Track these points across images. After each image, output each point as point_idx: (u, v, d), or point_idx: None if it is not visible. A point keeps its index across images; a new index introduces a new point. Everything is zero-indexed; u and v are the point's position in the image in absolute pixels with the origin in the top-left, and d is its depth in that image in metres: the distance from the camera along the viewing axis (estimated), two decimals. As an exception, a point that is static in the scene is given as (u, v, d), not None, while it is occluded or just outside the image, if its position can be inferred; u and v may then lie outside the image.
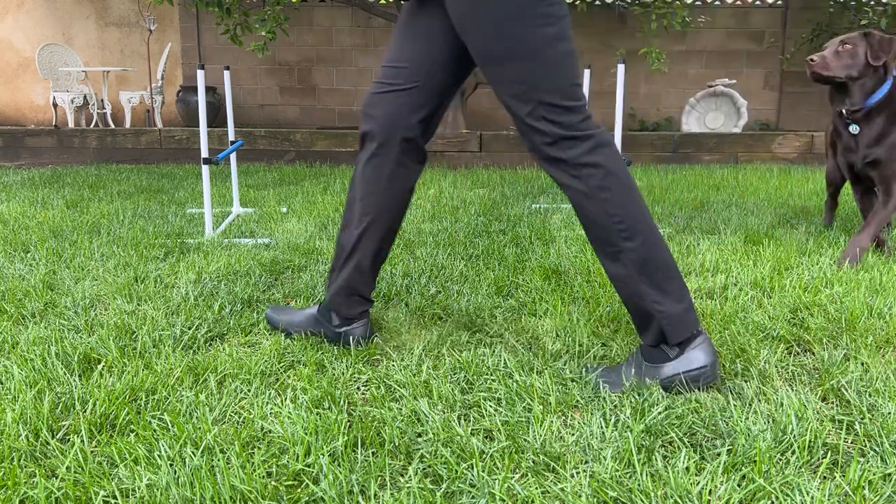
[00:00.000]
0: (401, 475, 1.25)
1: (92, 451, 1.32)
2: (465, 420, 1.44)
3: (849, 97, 2.65)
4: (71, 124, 7.19)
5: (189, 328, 1.94)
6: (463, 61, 1.68)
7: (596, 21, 7.75)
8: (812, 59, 2.63)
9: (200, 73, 3.08)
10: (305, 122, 8.05)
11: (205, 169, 3.12)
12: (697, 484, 1.21)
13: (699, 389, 1.54)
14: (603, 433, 1.37)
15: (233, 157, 3.79)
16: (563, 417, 1.45)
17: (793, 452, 1.30)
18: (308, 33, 7.88)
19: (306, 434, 1.34)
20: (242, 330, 1.95)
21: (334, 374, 1.65)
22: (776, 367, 1.69)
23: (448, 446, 1.32)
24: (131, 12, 7.93)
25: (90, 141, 6.21)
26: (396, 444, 1.33)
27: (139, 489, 1.19)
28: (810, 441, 1.33)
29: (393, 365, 1.70)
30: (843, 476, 1.23)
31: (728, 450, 1.32)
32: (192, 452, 1.29)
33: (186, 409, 1.47)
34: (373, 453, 1.32)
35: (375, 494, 1.19)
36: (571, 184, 1.54)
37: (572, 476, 1.23)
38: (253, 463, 1.27)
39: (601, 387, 1.55)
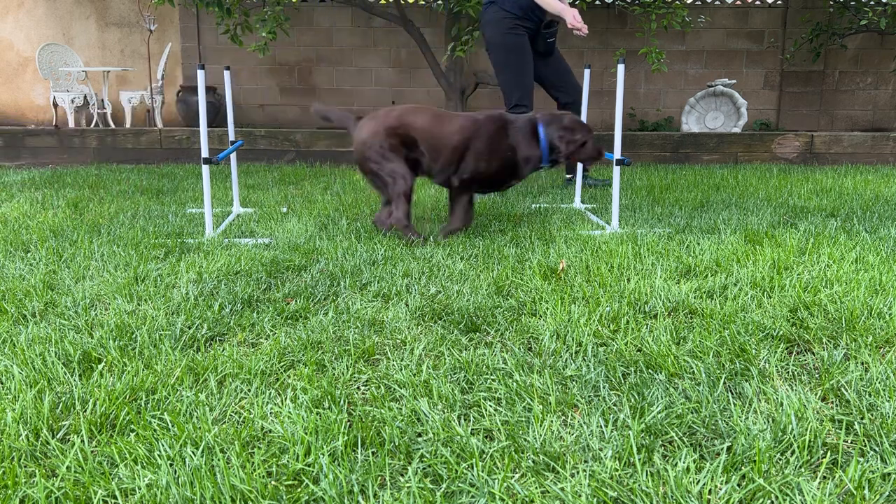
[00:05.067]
0: (401, 475, 1.25)
1: (92, 451, 1.32)
2: (465, 420, 1.44)
3: None
4: (71, 124, 7.19)
5: (189, 328, 1.94)
6: None
7: (596, 21, 7.75)
8: None
9: (201, 73, 3.08)
10: (305, 122, 8.05)
11: (205, 169, 3.12)
12: (698, 483, 1.21)
13: None
14: (602, 433, 1.37)
15: (233, 157, 3.79)
16: (563, 417, 1.46)
17: (792, 452, 1.30)
18: (308, 33, 7.88)
19: (306, 434, 1.34)
20: (242, 330, 1.95)
21: (334, 374, 1.65)
22: (776, 366, 1.69)
23: (448, 446, 1.32)
24: (131, 12, 7.93)
25: (90, 141, 6.21)
26: (396, 444, 1.33)
27: (139, 489, 1.19)
28: (810, 441, 1.33)
29: (393, 365, 1.70)
30: (844, 473, 1.23)
31: (728, 448, 1.32)
32: (192, 452, 1.29)
33: (186, 409, 1.47)
34: (373, 453, 1.32)
35: (375, 494, 1.19)
36: None
37: (572, 476, 1.23)
38: (253, 463, 1.27)
39: None
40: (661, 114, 7.91)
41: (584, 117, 3.98)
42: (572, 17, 4.03)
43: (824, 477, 1.24)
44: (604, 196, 4.28)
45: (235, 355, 1.75)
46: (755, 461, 1.25)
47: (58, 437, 1.37)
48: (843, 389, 1.55)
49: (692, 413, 1.45)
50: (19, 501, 1.17)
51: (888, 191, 4.38)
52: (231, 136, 3.77)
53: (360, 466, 1.26)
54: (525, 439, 1.34)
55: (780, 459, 1.28)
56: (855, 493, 1.18)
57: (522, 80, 4.32)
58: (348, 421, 1.43)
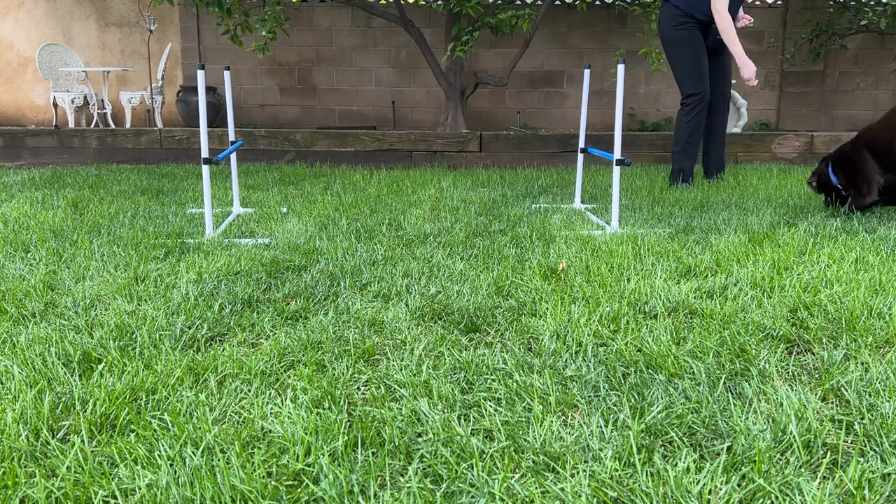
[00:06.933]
0: (401, 475, 1.25)
1: (92, 451, 1.32)
2: (465, 420, 1.44)
3: None
4: (71, 124, 7.19)
5: (189, 328, 1.94)
6: None
7: (596, 21, 7.75)
8: None
9: (201, 73, 3.08)
10: (305, 122, 8.05)
11: (205, 169, 3.12)
12: (698, 483, 1.21)
13: None
14: (602, 433, 1.37)
15: (233, 157, 3.79)
16: (563, 417, 1.46)
17: (792, 452, 1.30)
18: (308, 33, 7.89)
19: (306, 434, 1.34)
20: (242, 330, 1.95)
21: (334, 374, 1.65)
22: (776, 367, 1.69)
23: (448, 446, 1.32)
24: (131, 12, 7.93)
25: (90, 141, 6.22)
26: (396, 444, 1.33)
27: (139, 489, 1.19)
28: (810, 441, 1.33)
29: (393, 365, 1.70)
30: (844, 473, 1.23)
31: (728, 448, 1.32)
32: (192, 452, 1.29)
33: (186, 409, 1.47)
34: (373, 453, 1.32)
35: (375, 494, 1.19)
36: None
37: (572, 476, 1.23)
38: (253, 463, 1.27)
39: None
40: (661, 114, 7.91)
41: (583, 117, 3.99)
42: (749, 73, 4.27)
43: (824, 477, 1.24)
44: (604, 196, 4.28)
45: (235, 355, 1.75)
46: (755, 461, 1.25)
47: (58, 437, 1.37)
48: (843, 389, 1.55)
49: (692, 413, 1.45)
50: (19, 501, 1.17)
51: (888, 191, 4.38)
52: (231, 136, 3.77)
53: (360, 466, 1.26)
54: (525, 439, 1.34)
55: (780, 459, 1.28)
56: (855, 493, 1.18)
57: (692, 69, 4.48)
58: (348, 421, 1.43)
